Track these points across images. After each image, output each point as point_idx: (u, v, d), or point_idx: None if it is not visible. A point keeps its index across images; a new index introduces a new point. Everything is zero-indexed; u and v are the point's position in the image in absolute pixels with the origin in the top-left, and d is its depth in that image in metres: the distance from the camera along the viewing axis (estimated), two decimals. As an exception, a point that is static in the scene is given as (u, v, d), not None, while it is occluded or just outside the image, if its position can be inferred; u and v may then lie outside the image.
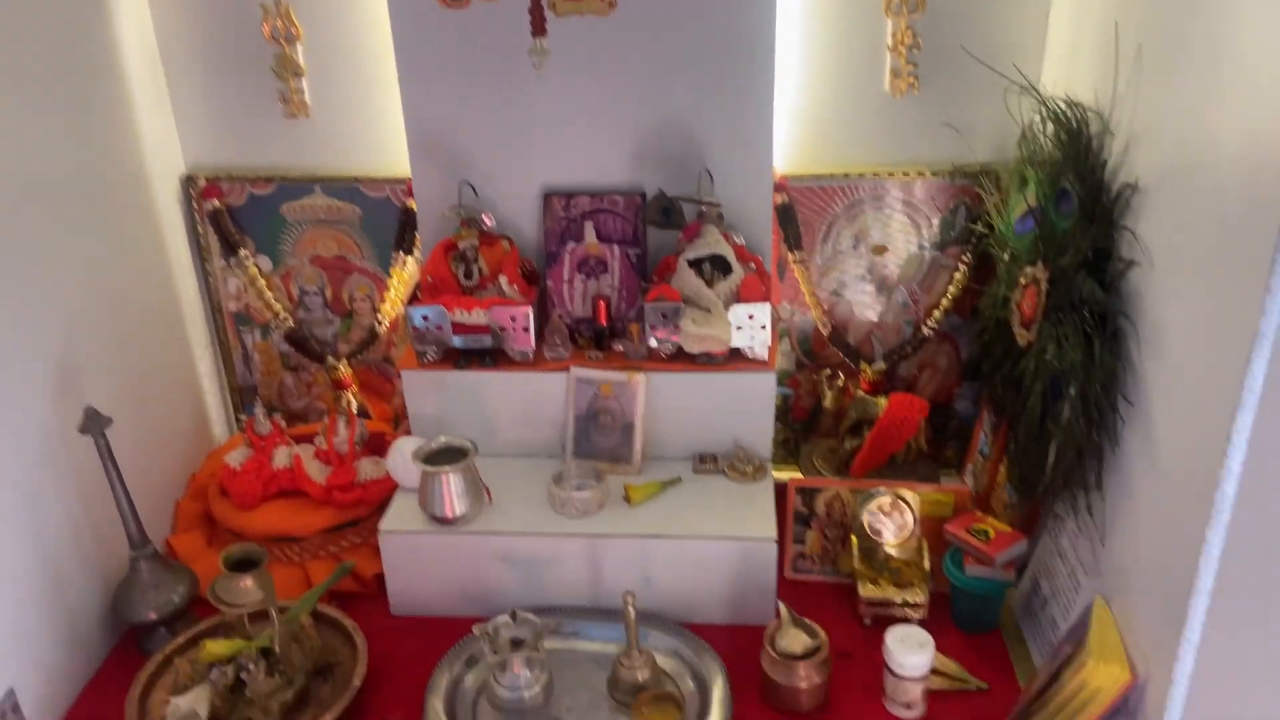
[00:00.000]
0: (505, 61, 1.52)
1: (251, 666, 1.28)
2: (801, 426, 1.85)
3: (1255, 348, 0.91)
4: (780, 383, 1.79)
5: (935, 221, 1.66)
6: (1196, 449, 1.03)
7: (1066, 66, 1.47)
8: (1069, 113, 1.33)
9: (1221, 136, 0.99)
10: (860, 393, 1.72)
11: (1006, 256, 1.48)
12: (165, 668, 1.39)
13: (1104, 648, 1.17)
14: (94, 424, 1.33)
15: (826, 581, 1.59)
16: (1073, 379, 1.24)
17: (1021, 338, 1.40)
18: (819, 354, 1.79)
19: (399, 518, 1.52)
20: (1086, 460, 1.26)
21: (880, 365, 1.73)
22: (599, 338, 1.63)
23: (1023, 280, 1.40)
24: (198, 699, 1.27)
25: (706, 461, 1.60)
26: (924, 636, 1.32)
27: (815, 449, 1.79)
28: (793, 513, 1.57)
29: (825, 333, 1.73)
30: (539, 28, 1.51)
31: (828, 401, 1.75)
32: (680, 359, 1.57)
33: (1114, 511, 1.25)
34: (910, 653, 1.30)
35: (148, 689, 1.36)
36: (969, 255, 1.64)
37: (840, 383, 1.76)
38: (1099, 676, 1.15)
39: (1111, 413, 1.22)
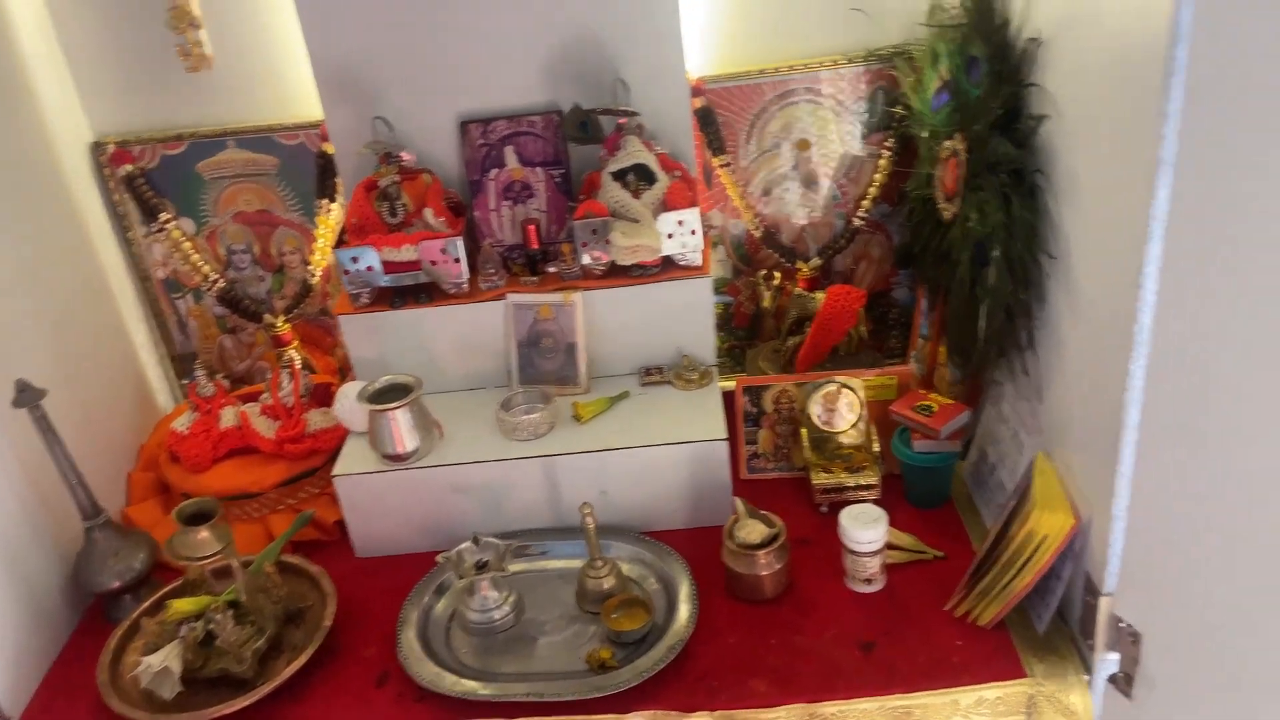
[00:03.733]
0: (405, -12, 1.49)
1: (219, 617, 1.28)
2: (745, 333, 1.86)
3: (1158, 175, 0.93)
4: (719, 291, 1.80)
5: (855, 110, 1.66)
6: (1114, 286, 1.05)
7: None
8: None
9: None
10: (798, 290, 1.73)
11: (926, 134, 1.49)
12: (134, 631, 1.39)
13: (1047, 497, 1.20)
14: (27, 396, 1.30)
15: (782, 477, 1.61)
16: (995, 241, 1.26)
17: (946, 211, 1.42)
18: (754, 257, 1.79)
19: (351, 461, 1.52)
20: (1017, 320, 1.29)
21: (815, 261, 1.74)
22: (532, 262, 1.62)
23: (943, 154, 1.41)
24: (169, 655, 1.27)
25: (652, 373, 1.61)
26: (877, 512, 1.35)
27: (759, 352, 1.80)
28: (742, 413, 1.59)
29: (758, 235, 1.73)
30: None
31: (766, 302, 1.76)
32: (615, 274, 1.57)
33: (1048, 367, 1.28)
34: (864, 528, 1.33)
35: (118, 653, 1.36)
36: (891, 140, 1.65)
37: (776, 282, 1.76)
38: (1045, 524, 1.18)
39: (1035, 268, 1.24)
